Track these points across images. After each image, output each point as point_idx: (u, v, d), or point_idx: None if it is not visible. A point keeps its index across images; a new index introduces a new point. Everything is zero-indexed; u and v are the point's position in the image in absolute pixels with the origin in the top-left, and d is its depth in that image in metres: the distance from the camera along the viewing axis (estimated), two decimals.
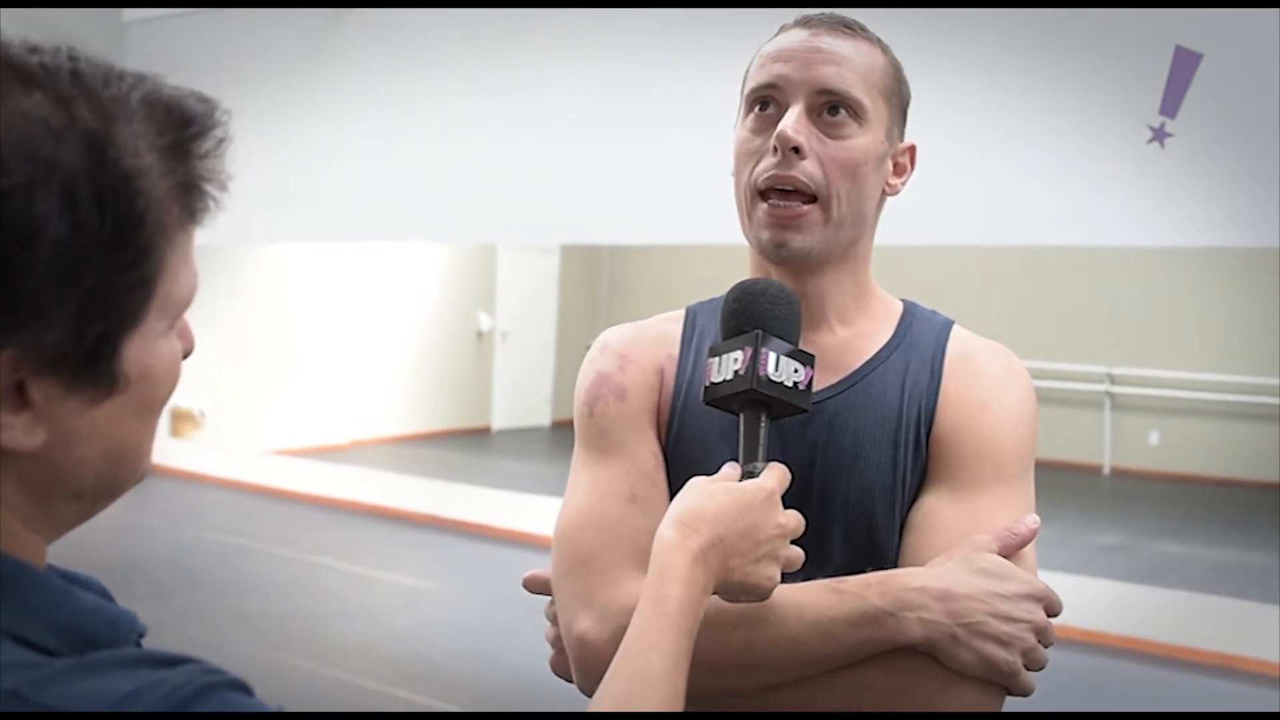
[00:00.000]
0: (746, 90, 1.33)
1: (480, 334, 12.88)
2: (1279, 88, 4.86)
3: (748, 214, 1.32)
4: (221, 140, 0.80)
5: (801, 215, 1.27)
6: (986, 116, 5.73)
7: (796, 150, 1.26)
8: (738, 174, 1.33)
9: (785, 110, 1.28)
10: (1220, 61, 4.74)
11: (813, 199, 1.28)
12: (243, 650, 5.47)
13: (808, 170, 1.27)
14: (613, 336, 1.41)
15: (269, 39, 8.70)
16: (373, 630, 5.98)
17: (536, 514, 7.88)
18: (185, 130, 0.78)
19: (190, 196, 0.79)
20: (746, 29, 5.93)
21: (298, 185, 8.11)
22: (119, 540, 6.92)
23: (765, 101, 1.30)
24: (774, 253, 1.30)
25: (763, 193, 1.29)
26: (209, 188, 0.80)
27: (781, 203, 1.28)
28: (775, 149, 1.27)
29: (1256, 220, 5.04)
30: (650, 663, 1.02)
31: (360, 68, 8.22)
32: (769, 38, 1.36)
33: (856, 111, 1.28)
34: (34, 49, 0.75)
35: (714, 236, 4.84)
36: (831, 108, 1.28)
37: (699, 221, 5.85)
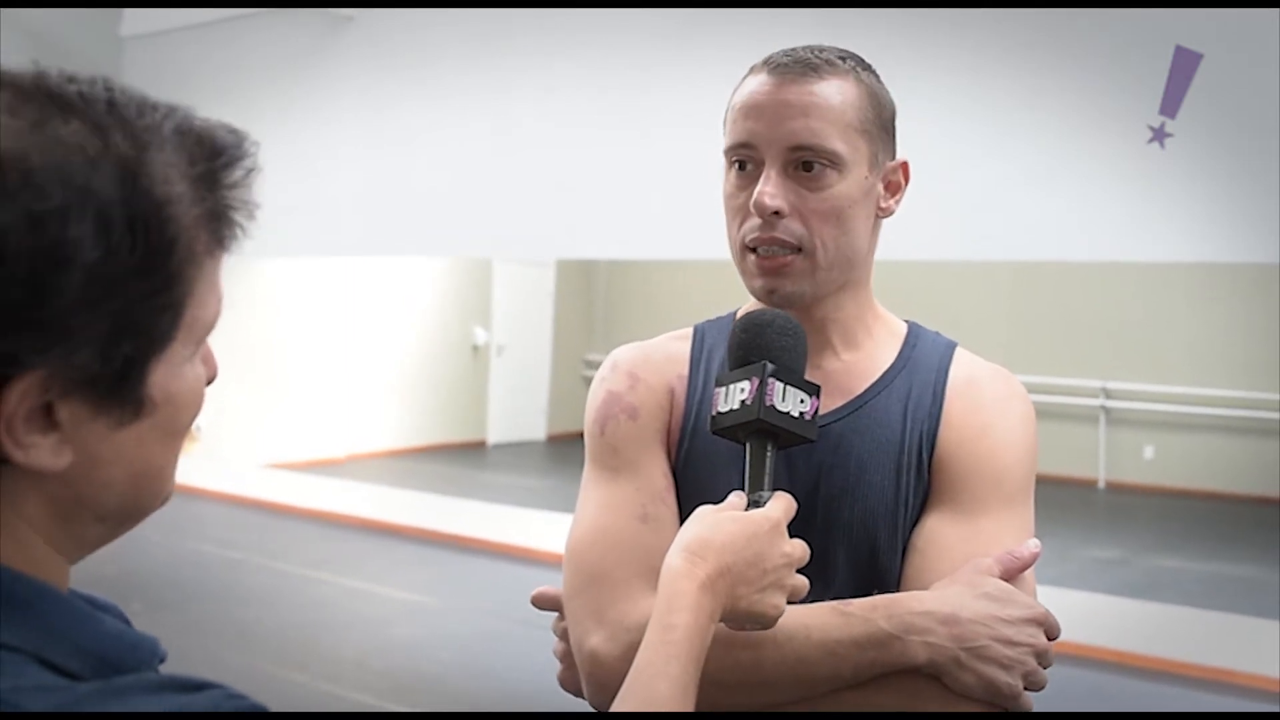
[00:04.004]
0: (725, 145, 1.35)
1: (476, 348, 12.88)
2: (1279, 89, 4.86)
3: (740, 264, 1.35)
4: (250, 170, 0.82)
5: (787, 264, 1.30)
6: (982, 121, 5.73)
7: (776, 213, 1.28)
8: (728, 227, 1.35)
9: (761, 168, 1.30)
10: (1220, 62, 4.75)
11: (798, 249, 1.30)
12: (238, 663, 5.46)
13: (790, 228, 1.29)
14: (623, 355, 1.43)
15: (264, 54, 8.72)
16: (368, 644, 5.97)
17: (532, 528, 7.87)
18: (216, 160, 0.80)
19: (219, 224, 0.80)
20: (743, 39, 5.97)
21: (293, 199, 8.11)
22: (115, 553, 6.88)
23: (742, 161, 1.32)
24: (767, 299, 1.32)
25: (751, 247, 1.32)
26: (237, 216, 0.82)
27: (769, 250, 1.30)
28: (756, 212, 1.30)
29: (1261, 233, 5.03)
30: (658, 690, 1.04)
31: (355, 82, 8.24)
32: (741, 78, 1.37)
33: (833, 161, 1.29)
34: (71, 79, 0.76)
35: (710, 251, 4.84)
36: (805, 164, 1.29)
37: (695, 236, 5.86)
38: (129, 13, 9.32)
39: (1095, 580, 7.18)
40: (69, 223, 0.70)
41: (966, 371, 1.38)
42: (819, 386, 1.23)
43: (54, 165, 0.71)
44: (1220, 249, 5.39)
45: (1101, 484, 11.22)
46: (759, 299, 1.34)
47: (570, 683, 1.33)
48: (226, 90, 8.47)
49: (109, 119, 0.75)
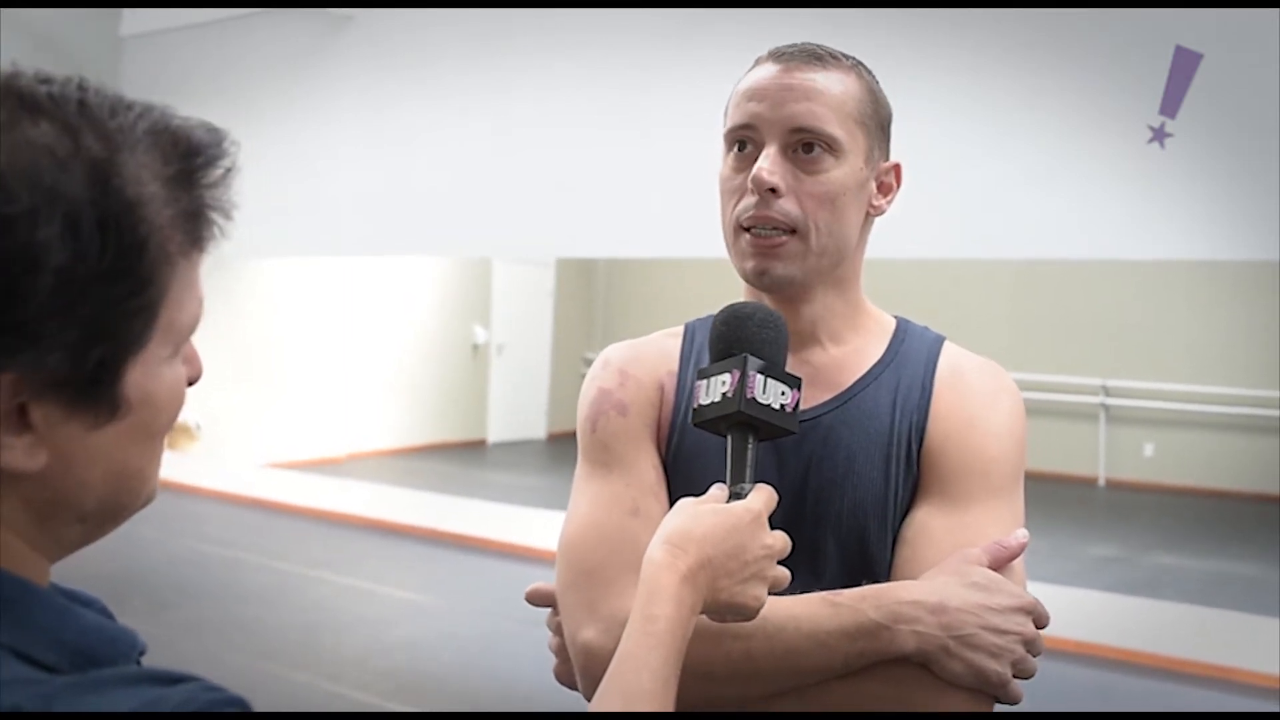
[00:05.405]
0: (725, 129, 1.37)
1: (476, 347, 12.88)
2: (1279, 89, 4.87)
3: (732, 245, 1.36)
4: (229, 170, 0.82)
5: (781, 245, 1.32)
6: (982, 121, 5.74)
7: (773, 191, 1.30)
8: (722, 209, 1.37)
9: (761, 149, 1.32)
10: (1220, 62, 4.75)
11: (792, 230, 1.32)
12: (238, 662, 5.47)
13: (785, 209, 1.31)
14: (614, 353, 1.45)
15: (264, 54, 8.72)
16: (368, 643, 5.98)
17: (532, 527, 7.87)
18: (192, 160, 0.80)
19: (195, 225, 0.80)
20: (742, 39, 5.95)
21: (293, 198, 8.12)
22: (114, 552, 6.90)
23: (742, 141, 1.35)
24: (757, 280, 1.34)
25: (745, 227, 1.33)
26: (215, 216, 0.81)
27: (763, 231, 1.32)
28: (753, 190, 1.31)
29: (1260, 231, 5.04)
30: (641, 682, 1.04)
31: (355, 82, 8.24)
32: (746, 70, 1.39)
33: (831, 146, 1.31)
34: (45, 79, 0.76)
35: (709, 250, 4.85)
36: (806, 145, 1.31)
37: (694, 235, 5.83)
38: (129, 13, 9.32)
39: (1095, 578, 7.18)
40: (37, 225, 0.70)
41: (955, 364, 1.39)
42: (800, 379, 1.24)
43: (22, 167, 0.71)
44: (1220, 248, 5.40)
45: (1101, 482, 11.22)
46: (749, 281, 1.36)
47: (565, 676, 1.35)
48: (226, 90, 8.47)
49: (80, 120, 0.75)
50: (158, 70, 9.10)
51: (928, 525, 1.30)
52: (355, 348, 11.61)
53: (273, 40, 8.67)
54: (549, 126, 7.24)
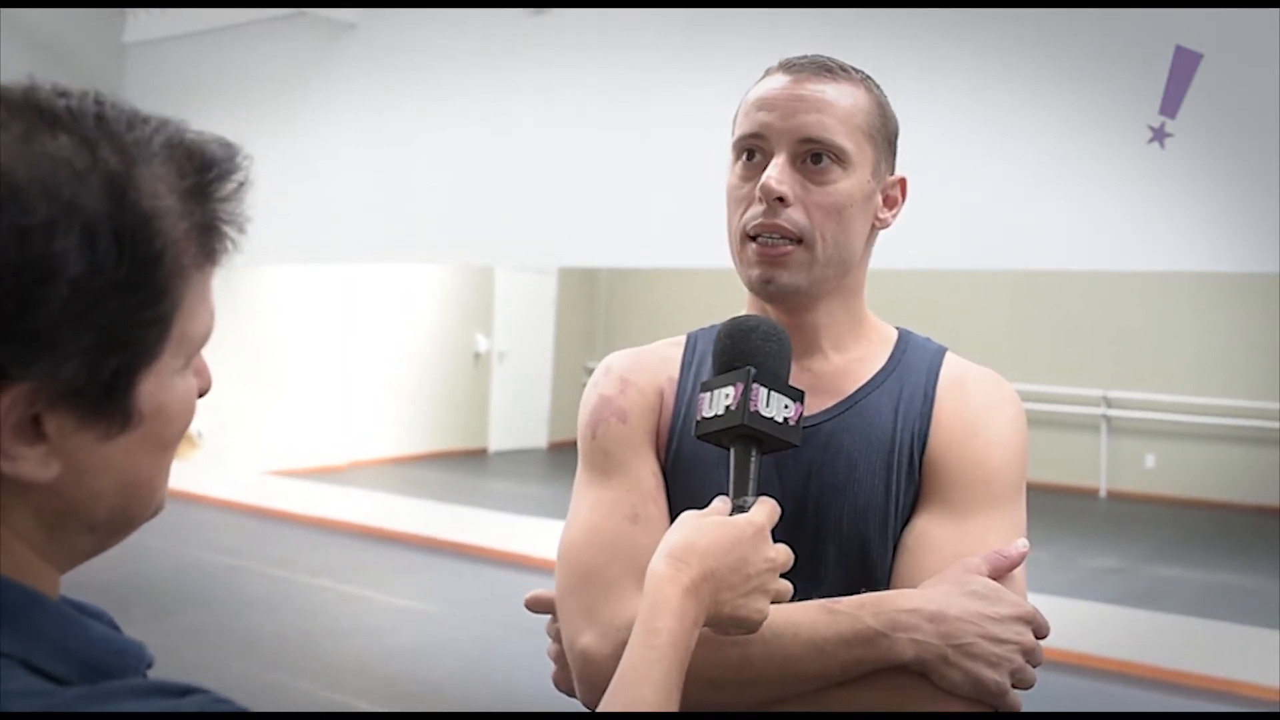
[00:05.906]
0: (734, 138, 1.38)
1: (477, 355, 12.88)
2: (1279, 89, 4.87)
3: (738, 254, 1.37)
4: (241, 184, 0.82)
5: (787, 254, 1.32)
6: (982, 121, 5.73)
7: (781, 200, 1.31)
8: (729, 218, 1.38)
9: (770, 158, 1.33)
10: (1220, 62, 4.76)
11: (798, 240, 1.32)
12: (239, 670, 5.46)
13: (792, 218, 1.32)
14: (616, 360, 1.46)
15: (267, 61, 8.73)
16: (369, 651, 5.98)
17: (533, 536, 7.87)
18: (206, 174, 0.80)
19: (209, 238, 0.81)
20: (745, 40, 5.96)
21: (295, 206, 8.12)
22: (118, 560, 6.88)
23: (751, 150, 1.35)
24: (763, 289, 1.35)
25: (751, 235, 1.34)
26: (227, 229, 0.82)
27: (769, 239, 1.33)
28: (761, 198, 1.32)
29: (1262, 237, 5.03)
30: (644, 695, 1.05)
31: (357, 89, 8.25)
32: (755, 81, 1.40)
33: (839, 157, 1.32)
34: (63, 93, 0.77)
35: (712, 260, 4.84)
36: (814, 156, 1.32)
37: (697, 245, 5.86)
38: (131, 20, 9.34)
39: (1096, 589, 7.17)
40: (54, 236, 0.71)
41: (957, 374, 1.40)
42: (803, 392, 1.25)
43: (40, 179, 0.72)
44: (1221, 256, 5.39)
45: (1103, 493, 11.21)
46: (754, 289, 1.36)
47: (564, 683, 1.35)
48: (228, 97, 8.48)
49: (97, 133, 0.75)
50: (160, 77, 9.12)
51: (928, 533, 1.30)
52: (356, 356, 11.61)
53: (275, 48, 8.68)
54: (552, 135, 7.25)
